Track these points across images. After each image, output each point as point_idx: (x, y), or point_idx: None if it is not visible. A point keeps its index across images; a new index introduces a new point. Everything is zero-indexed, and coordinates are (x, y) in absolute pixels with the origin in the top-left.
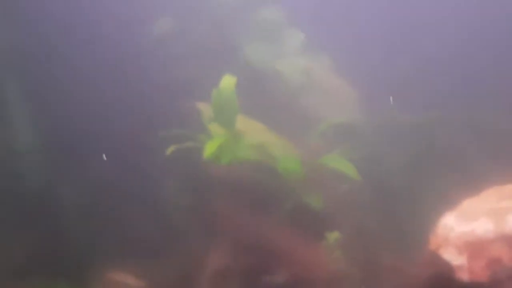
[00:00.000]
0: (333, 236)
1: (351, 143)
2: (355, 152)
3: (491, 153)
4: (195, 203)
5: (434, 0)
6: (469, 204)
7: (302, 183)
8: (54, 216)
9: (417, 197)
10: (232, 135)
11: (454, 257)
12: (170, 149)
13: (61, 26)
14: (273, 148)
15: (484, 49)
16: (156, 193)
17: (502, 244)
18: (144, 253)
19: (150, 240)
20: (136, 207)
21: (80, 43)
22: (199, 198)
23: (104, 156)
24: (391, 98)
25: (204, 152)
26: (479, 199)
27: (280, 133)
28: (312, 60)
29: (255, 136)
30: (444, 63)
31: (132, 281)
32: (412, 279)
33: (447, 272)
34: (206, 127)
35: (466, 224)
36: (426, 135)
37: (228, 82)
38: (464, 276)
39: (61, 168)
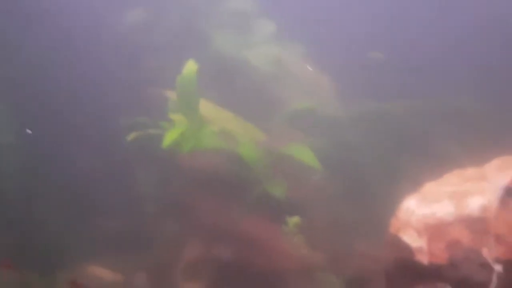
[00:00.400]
0: (293, 220)
1: (320, 130)
2: (322, 140)
3: (457, 139)
4: (164, 193)
5: None
6: (431, 187)
7: (266, 171)
8: (27, 210)
9: (385, 183)
10: (195, 121)
11: (413, 240)
12: (131, 136)
13: (31, 16)
14: (240, 135)
15: (455, 39)
16: (127, 184)
17: (461, 227)
18: (118, 246)
19: (123, 232)
20: (107, 198)
21: (51, 33)
22: (168, 188)
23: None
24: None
25: (164, 141)
26: (441, 182)
27: (249, 121)
28: (283, 50)
29: (222, 123)
30: (416, 52)
31: (108, 275)
32: (373, 263)
33: (407, 255)
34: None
35: (427, 207)
36: (396, 123)
37: (190, 67)
38: (423, 258)
39: (29, 158)
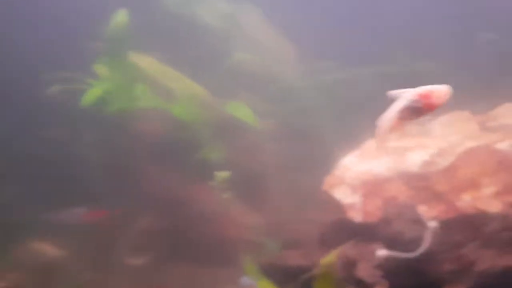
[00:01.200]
0: (222, 175)
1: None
2: (269, 101)
3: None
4: (101, 158)
5: None
6: (371, 144)
7: (206, 130)
8: None
9: (331, 145)
10: (124, 77)
11: (346, 196)
12: (53, 89)
13: None
14: (181, 94)
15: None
16: (65, 148)
17: (400, 183)
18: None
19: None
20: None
21: None
22: (105, 152)
23: None
24: None
25: (85, 98)
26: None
27: (195, 80)
28: (239, 9)
29: (162, 81)
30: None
31: (52, 250)
32: (310, 224)
33: (337, 212)
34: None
35: (364, 163)
36: (349, 87)
37: (120, 18)
38: (357, 215)
39: None
